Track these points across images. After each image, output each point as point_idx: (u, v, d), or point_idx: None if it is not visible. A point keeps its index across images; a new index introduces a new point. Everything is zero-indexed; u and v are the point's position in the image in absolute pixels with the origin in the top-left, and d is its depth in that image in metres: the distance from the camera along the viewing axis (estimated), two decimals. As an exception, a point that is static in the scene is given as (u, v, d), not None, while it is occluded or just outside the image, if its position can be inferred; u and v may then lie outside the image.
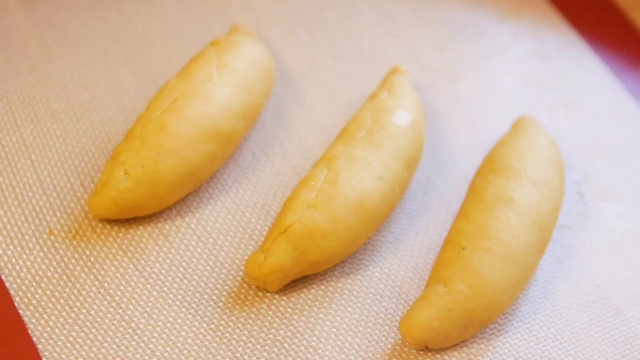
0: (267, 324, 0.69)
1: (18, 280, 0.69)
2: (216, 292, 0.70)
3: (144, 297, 0.69)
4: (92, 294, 0.69)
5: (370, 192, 0.70)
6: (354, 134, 0.73)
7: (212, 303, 0.69)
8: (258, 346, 0.68)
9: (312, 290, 0.71)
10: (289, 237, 0.68)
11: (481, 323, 0.68)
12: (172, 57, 0.82)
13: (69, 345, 0.67)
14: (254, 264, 0.68)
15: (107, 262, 0.70)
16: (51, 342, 0.67)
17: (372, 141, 0.72)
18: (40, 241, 0.71)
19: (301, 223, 0.68)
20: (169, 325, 0.68)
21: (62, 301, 0.68)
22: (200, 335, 0.68)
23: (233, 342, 0.68)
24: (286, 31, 0.85)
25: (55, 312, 0.68)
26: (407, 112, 0.74)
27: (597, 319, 0.71)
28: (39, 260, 0.70)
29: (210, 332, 0.68)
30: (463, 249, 0.68)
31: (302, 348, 0.68)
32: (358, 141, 0.72)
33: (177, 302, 0.69)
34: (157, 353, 0.67)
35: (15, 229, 0.71)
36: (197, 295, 0.70)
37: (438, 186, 0.77)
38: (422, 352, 0.68)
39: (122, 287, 0.69)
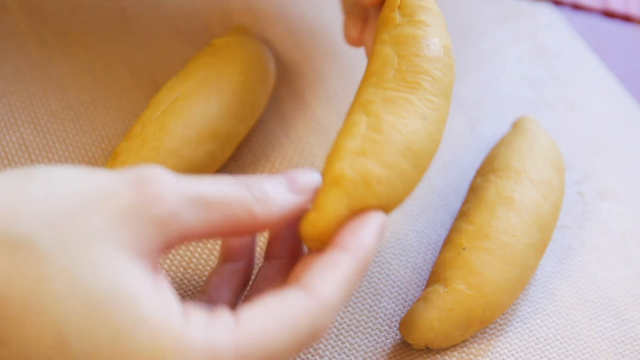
0: (267, 324, 0.69)
1: (18, 280, 0.69)
2: (216, 292, 0.70)
3: (144, 297, 0.69)
4: (92, 294, 0.69)
5: (417, 134, 0.63)
6: (381, 74, 0.66)
7: (212, 303, 0.69)
8: (258, 346, 0.68)
9: (312, 290, 0.71)
10: (341, 187, 0.61)
11: (481, 323, 0.68)
12: (172, 57, 0.82)
13: (69, 345, 0.66)
14: (309, 226, 0.60)
15: (107, 262, 0.70)
16: (51, 342, 0.66)
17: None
18: (41, 241, 0.71)
19: (353, 170, 0.61)
20: (169, 325, 0.68)
21: (62, 301, 0.68)
22: (201, 335, 0.68)
23: (233, 342, 0.68)
24: (286, 31, 0.85)
25: (56, 312, 0.68)
26: (435, 38, 0.67)
27: (597, 319, 0.71)
28: (39, 260, 0.70)
29: (211, 332, 0.68)
30: (463, 249, 0.68)
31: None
32: (390, 82, 0.65)
33: (177, 302, 0.69)
34: (157, 353, 0.67)
35: (15, 229, 0.71)
36: (197, 295, 0.69)
37: (438, 186, 0.77)
38: (422, 352, 0.68)
39: (122, 287, 0.69)
